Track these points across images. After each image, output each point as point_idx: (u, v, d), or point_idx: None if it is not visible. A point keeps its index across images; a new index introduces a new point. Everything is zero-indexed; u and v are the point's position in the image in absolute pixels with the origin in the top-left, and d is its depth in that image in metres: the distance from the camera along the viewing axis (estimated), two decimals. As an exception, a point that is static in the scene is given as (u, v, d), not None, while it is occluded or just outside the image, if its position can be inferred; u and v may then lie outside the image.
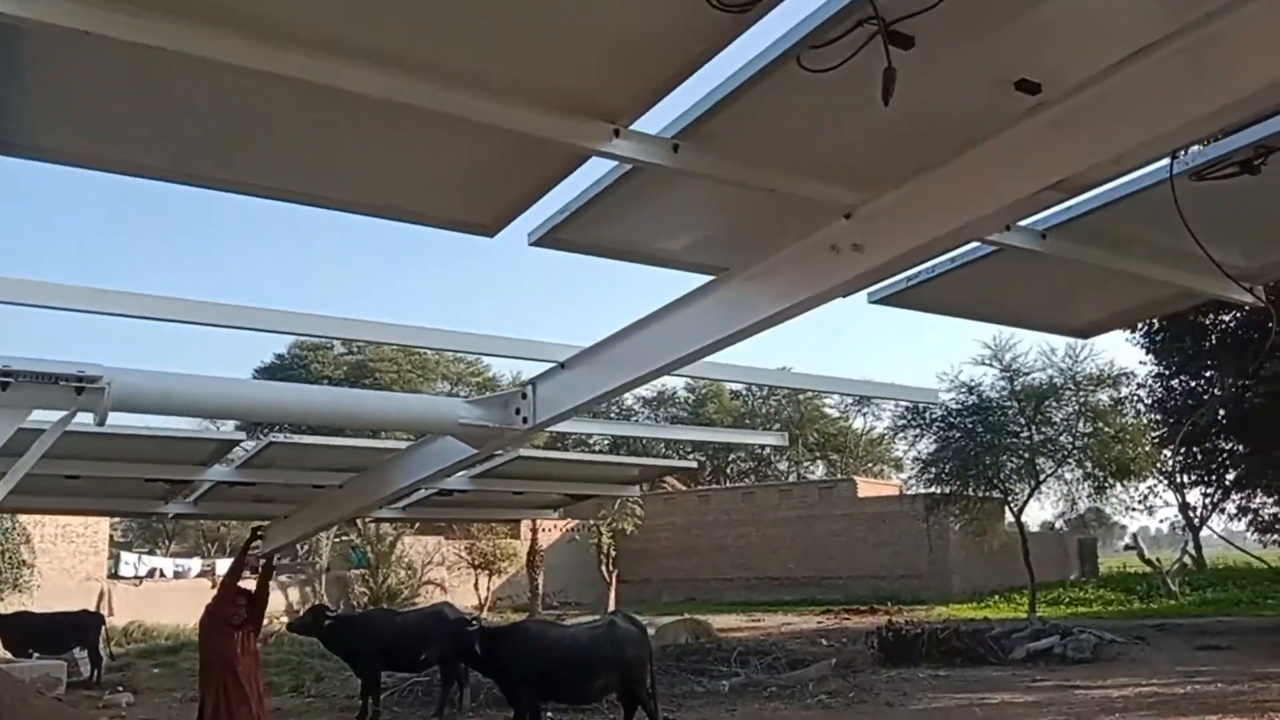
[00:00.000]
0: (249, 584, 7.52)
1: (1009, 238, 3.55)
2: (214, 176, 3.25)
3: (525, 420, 4.36)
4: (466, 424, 4.32)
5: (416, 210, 3.44)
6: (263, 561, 7.29)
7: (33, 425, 3.53)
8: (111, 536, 34.13)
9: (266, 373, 44.45)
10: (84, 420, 3.91)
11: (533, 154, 3.04)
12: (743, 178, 3.12)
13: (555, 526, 37.67)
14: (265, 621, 21.99)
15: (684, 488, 45.96)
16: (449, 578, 32.02)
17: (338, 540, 31.85)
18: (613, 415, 49.30)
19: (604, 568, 33.56)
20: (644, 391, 52.04)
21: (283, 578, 33.57)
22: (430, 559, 32.43)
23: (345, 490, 5.72)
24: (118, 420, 4.77)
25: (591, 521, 34.26)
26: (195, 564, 34.17)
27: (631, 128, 2.87)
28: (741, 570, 37.34)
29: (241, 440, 5.01)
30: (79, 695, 15.99)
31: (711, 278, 3.74)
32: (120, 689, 16.42)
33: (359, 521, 28.37)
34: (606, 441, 40.25)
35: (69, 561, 25.84)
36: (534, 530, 32.16)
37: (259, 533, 7.20)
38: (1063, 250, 3.60)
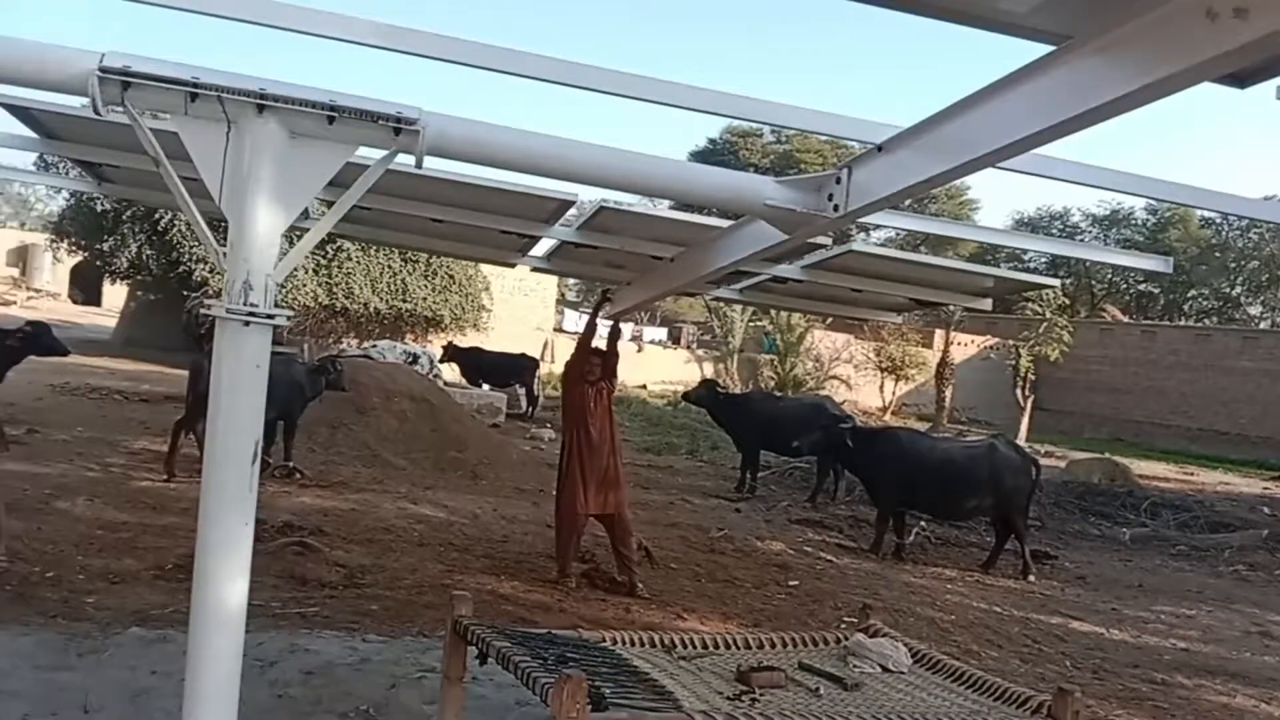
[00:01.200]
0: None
1: None
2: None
3: (837, 207, 3.96)
4: (773, 205, 4.02)
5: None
6: (611, 323, 7.69)
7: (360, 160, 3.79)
8: (562, 295, 38.24)
9: (698, 156, 45.97)
10: (438, 166, 4.17)
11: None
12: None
13: (972, 341, 36.19)
14: (677, 386, 23.46)
15: (1125, 319, 41.71)
16: (855, 376, 32.19)
17: (752, 325, 33.08)
18: (1055, 231, 45.40)
19: (1019, 391, 31.78)
20: (1095, 208, 47.04)
21: (700, 351, 35.97)
22: (838, 355, 32.74)
23: (676, 263, 5.75)
24: (471, 171, 5.07)
25: (1011, 341, 32.41)
26: (628, 328, 37.43)
27: None
28: (1182, 419, 33.51)
29: (576, 200, 5.15)
30: (513, 425, 18.54)
31: (1053, 48, 3.04)
32: (547, 425, 18.65)
33: (770, 311, 29.19)
34: (1045, 260, 37.11)
35: (522, 312, 29.39)
36: (947, 341, 31.10)
37: (607, 295, 7.60)
38: None
